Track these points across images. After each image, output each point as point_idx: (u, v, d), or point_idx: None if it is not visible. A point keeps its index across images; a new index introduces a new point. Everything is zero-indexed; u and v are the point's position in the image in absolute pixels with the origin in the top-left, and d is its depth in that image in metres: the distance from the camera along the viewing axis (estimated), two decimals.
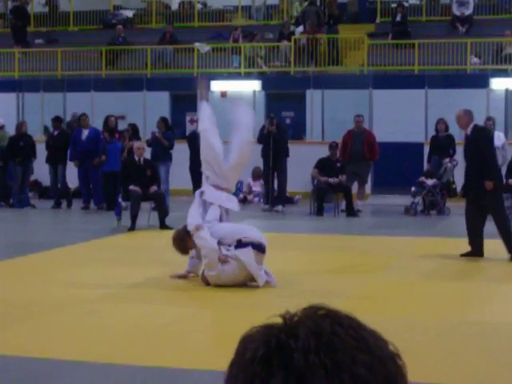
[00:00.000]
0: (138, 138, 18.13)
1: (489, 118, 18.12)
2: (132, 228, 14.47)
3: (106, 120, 18.63)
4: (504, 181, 14.10)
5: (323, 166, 17.54)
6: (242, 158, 10.06)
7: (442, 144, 17.64)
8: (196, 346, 6.73)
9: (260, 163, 18.52)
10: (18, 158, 18.84)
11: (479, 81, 21.67)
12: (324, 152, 17.92)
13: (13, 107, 23.94)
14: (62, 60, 24.56)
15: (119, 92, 23.47)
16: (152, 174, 15.10)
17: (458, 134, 16.83)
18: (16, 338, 6.99)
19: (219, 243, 9.15)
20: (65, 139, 18.92)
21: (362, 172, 18.05)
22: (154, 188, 14.81)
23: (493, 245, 11.29)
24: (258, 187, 20.41)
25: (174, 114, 23.36)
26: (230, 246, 9.20)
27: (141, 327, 7.33)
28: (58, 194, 18.91)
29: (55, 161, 18.93)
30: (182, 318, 7.75)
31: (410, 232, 14.44)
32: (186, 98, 23.10)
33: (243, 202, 20.11)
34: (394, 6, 24.71)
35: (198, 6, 26.85)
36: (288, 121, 22.87)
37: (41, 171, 19.84)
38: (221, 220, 9.67)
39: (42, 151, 19.04)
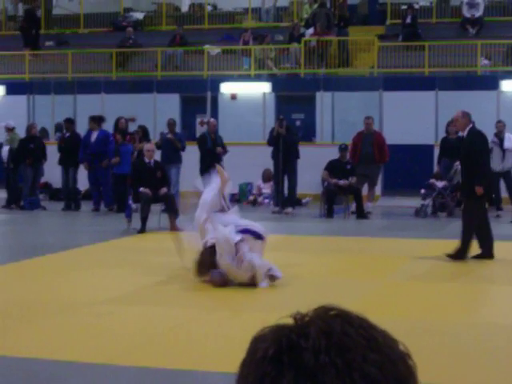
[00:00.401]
0: (148, 140, 18.15)
1: (499, 121, 18.08)
2: (142, 230, 14.49)
3: (117, 122, 18.66)
4: None
5: (333, 167, 17.52)
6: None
7: (453, 146, 17.59)
8: (203, 347, 6.71)
9: (270, 165, 18.53)
10: (29, 159, 18.89)
11: (489, 83, 21.61)
12: (334, 154, 17.92)
13: (23, 109, 24.00)
14: (72, 62, 24.60)
15: (129, 94, 23.50)
16: (162, 175, 15.10)
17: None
18: (23, 339, 7.00)
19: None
20: (76, 141, 18.94)
21: (371, 174, 18.02)
22: (164, 190, 14.82)
23: (504, 247, 11.25)
24: (267, 189, 20.40)
25: (183, 116, 23.39)
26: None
27: (148, 329, 7.33)
28: (65, 196, 18.95)
29: (67, 163, 18.95)
30: (189, 320, 7.75)
31: (420, 234, 14.41)
32: (196, 100, 23.13)
33: (253, 203, 20.13)
34: (404, 7, 24.68)
35: (208, 8, 26.87)
36: (298, 123, 22.85)
37: (51, 173, 19.88)
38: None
39: (52, 153, 19.07)
